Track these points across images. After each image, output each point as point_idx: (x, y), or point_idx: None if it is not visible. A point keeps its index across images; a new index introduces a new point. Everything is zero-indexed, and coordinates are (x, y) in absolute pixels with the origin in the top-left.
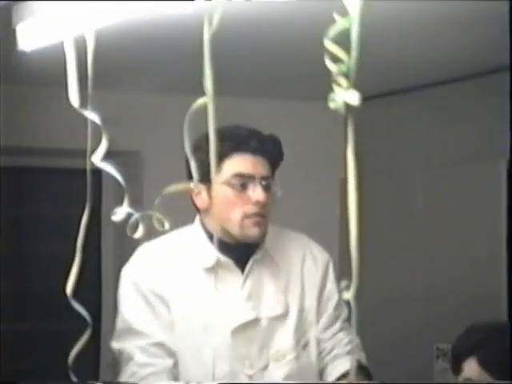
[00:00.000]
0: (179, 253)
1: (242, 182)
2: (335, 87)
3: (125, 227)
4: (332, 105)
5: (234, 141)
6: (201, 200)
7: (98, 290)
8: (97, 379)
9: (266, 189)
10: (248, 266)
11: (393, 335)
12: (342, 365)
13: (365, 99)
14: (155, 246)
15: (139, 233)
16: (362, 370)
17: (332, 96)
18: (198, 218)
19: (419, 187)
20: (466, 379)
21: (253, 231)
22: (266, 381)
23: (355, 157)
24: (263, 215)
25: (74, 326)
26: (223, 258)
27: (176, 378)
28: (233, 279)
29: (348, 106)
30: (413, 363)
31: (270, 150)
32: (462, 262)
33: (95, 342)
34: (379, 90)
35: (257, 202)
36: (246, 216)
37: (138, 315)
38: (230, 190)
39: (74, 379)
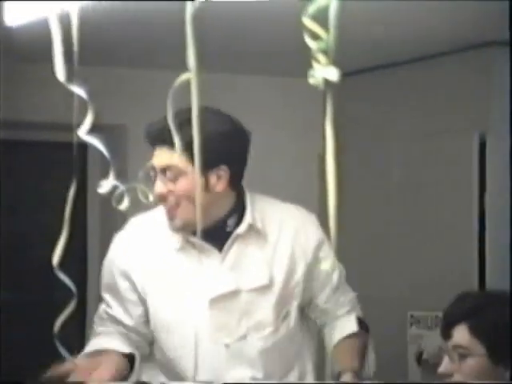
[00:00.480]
0: (159, 230)
1: (154, 175)
2: (314, 64)
3: (110, 199)
4: (312, 81)
5: (146, 137)
6: None
7: (83, 262)
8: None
9: (173, 179)
10: (228, 243)
11: (367, 303)
12: (343, 327)
13: (343, 75)
14: (137, 222)
15: (124, 204)
16: (362, 325)
17: (312, 72)
18: None
19: (395, 161)
20: (455, 345)
21: (171, 225)
22: (244, 351)
23: (334, 132)
24: (170, 206)
25: (61, 297)
26: (194, 240)
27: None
28: (211, 256)
29: (327, 82)
30: (387, 329)
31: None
32: (435, 233)
33: (81, 314)
34: (356, 67)
35: (156, 196)
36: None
37: (106, 296)
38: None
39: (61, 348)
